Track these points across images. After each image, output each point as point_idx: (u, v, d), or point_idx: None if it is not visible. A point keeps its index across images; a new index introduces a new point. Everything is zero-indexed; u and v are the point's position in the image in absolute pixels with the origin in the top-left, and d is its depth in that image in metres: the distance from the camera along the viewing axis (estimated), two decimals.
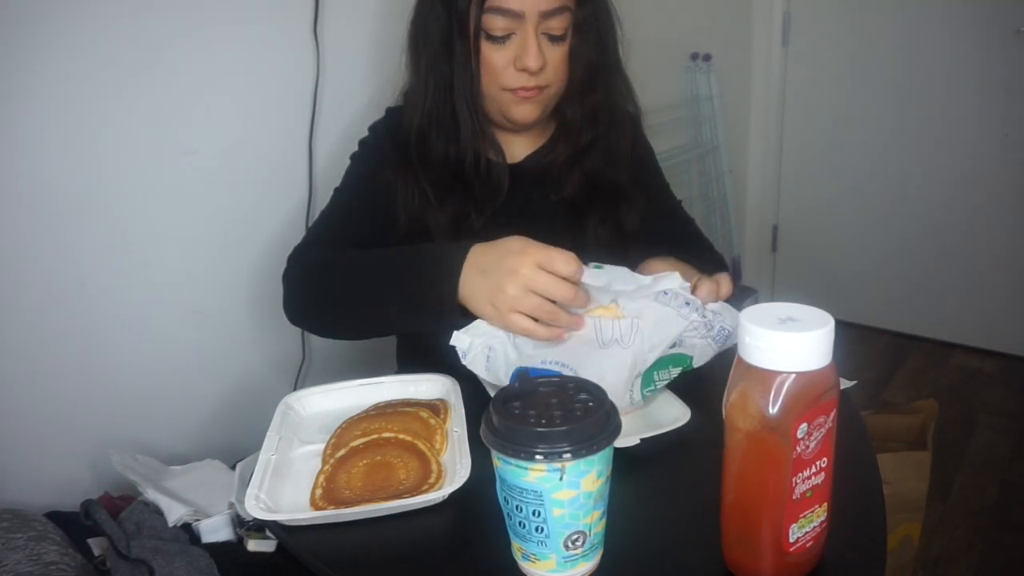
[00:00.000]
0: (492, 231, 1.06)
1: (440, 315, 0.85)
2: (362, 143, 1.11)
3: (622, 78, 1.09)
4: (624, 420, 0.79)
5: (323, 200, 1.26)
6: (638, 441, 0.78)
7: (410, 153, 1.04)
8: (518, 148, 1.10)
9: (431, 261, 0.87)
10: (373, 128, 1.12)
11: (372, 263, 0.93)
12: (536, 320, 0.80)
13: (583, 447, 0.57)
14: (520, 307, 0.79)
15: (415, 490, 0.73)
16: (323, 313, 0.99)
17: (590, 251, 1.07)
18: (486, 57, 0.99)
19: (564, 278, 0.78)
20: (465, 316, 0.84)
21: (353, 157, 1.10)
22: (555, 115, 1.10)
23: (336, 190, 1.09)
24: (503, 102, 1.02)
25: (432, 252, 0.89)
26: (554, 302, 0.79)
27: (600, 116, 1.08)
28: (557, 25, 0.98)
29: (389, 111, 1.12)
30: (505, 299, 0.79)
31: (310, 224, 1.27)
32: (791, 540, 0.58)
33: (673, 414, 0.83)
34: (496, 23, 0.96)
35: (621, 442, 0.75)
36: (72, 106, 0.99)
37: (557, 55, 1.00)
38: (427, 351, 1.06)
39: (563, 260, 0.78)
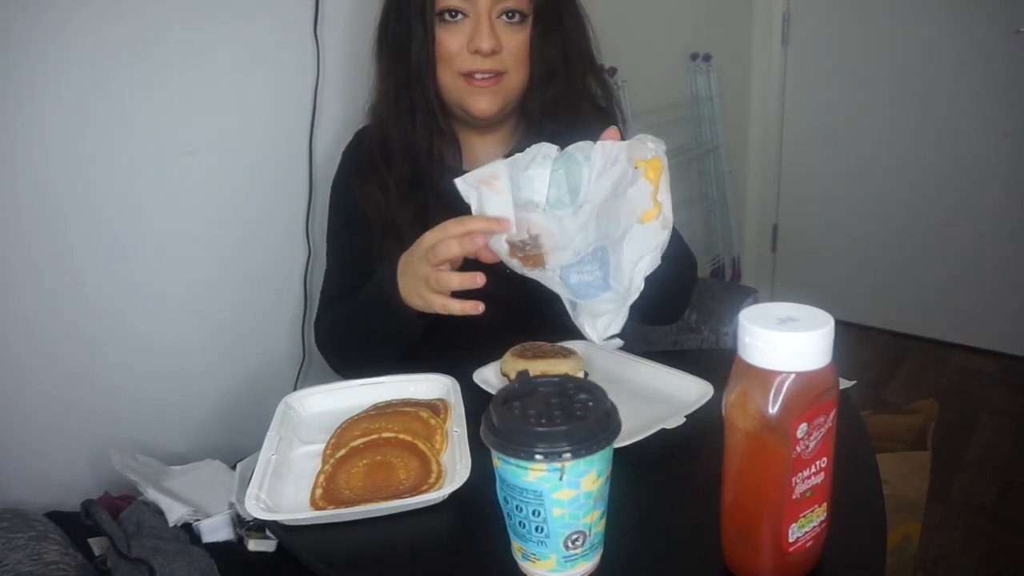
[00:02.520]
0: None
1: (406, 324, 0.92)
2: (333, 184, 1.14)
3: (596, 76, 1.09)
4: (652, 408, 0.84)
5: (323, 200, 1.26)
6: (684, 420, 0.82)
7: (373, 153, 1.05)
8: (483, 151, 1.09)
9: (377, 290, 0.93)
10: (343, 155, 1.14)
11: (351, 313, 1.03)
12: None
13: (583, 447, 0.57)
14: (432, 285, 0.82)
15: (415, 490, 0.73)
16: (354, 362, 1.05)
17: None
18: (440, 41, 0.99)
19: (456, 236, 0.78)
20: (423, 316, 0.90)
21: (331, 203, 1.14)
22: (520, 115, 1.09)
23: (328, 240, 1.13)
24: (459, 91, 1.01)
25: (374, 281, 0.96)
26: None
27: (560, 110, 1.06)
28: (513, 5, 0.97)
29: (358, 134, 1.13)
30: (423, 283, 0.83)
31: (309, 227, 1.27)
32: (791, 540, 0.58)
33: (698, 392, 0.87)
34: (448, 2, 0.96)
35: (670, 423, 0.81)
36: (72, 106, 0.99)
37: (515, 42, 0.99)
38: (425, 352, 1.06)
39: (434, 236, 0.80)
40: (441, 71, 1.00)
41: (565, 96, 1.05)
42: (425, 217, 1.02)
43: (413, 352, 1.13)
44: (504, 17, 0.99)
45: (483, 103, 1.01)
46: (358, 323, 1.02)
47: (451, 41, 0.98)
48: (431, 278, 0.82)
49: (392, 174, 1.04)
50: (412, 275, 0.86)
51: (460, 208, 1.00)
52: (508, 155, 1.04)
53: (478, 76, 0.99)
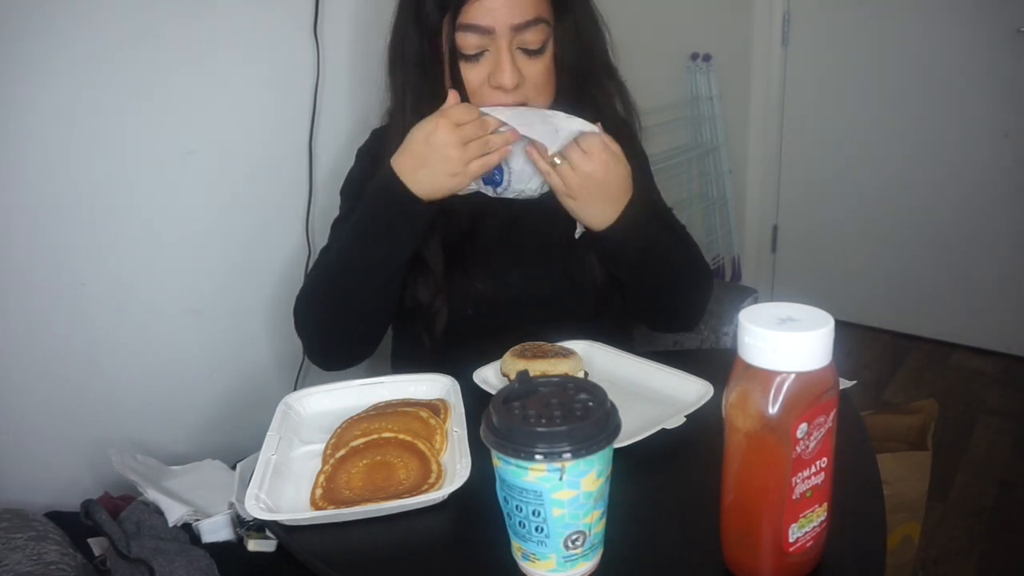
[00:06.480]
0: (479, 230, 1.06)
1: (419, 218, 0.95)
2: (349, 177, 1.11)
3: (616, 84, 1.07)
4: (652, 408, 0.86)
5: (323, 200, 1.27)
6: (684, 420, 0.82)
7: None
8: None
9: (377, 194, 0.95)
10: (359, 154, 1.12)
11: (339, 246, 1.01)
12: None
13: (583, 447, 0.57)
14: (470, 156, 0.91)
15: (415, 490, 0.73)
16: (337, 320, 1.00)
17: (578, 256, 1.06)
18: (463, 76, 0.97)
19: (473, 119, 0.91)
20: (431, 205, 0.94)
21: (343, 192, 1.11)
22: None
23: (333, 224, 1.10)
24: None
25: (371, 191, 0.97)
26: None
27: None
28: (533, 39, 0.95)
29: (374, 133, 1.12)
30: (457, 162, 0.90)
31: (309, 227, 1.28)
32: (791, 540, 0.58)
33: (698, 392, 0.87)
34: (468, 41, 0.94)
35: (670, 423, 0.81)
36: (72, 106, 0.99)
37: (536, 69, 0.97)
38: (422, 353, 1.06)
39: (463, 110, 0.91)
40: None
41: (592, 111, 1.03)
42: (446, 216, 1.01)
43: (410, 356, 1.12)
44: (523, 48, 0.96)
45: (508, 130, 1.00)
46: (351, 254, 0.98)
47: (472, 77, 0.96)
48: (470, 149, 0.90)
49: None
50: (439, 161, 0.90)
51: (478, 208, 1.03)
52: None
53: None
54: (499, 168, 0.96)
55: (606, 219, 0.95)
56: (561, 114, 0.94)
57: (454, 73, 0.97)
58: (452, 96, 0.93)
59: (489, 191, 0.98)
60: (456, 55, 0.96)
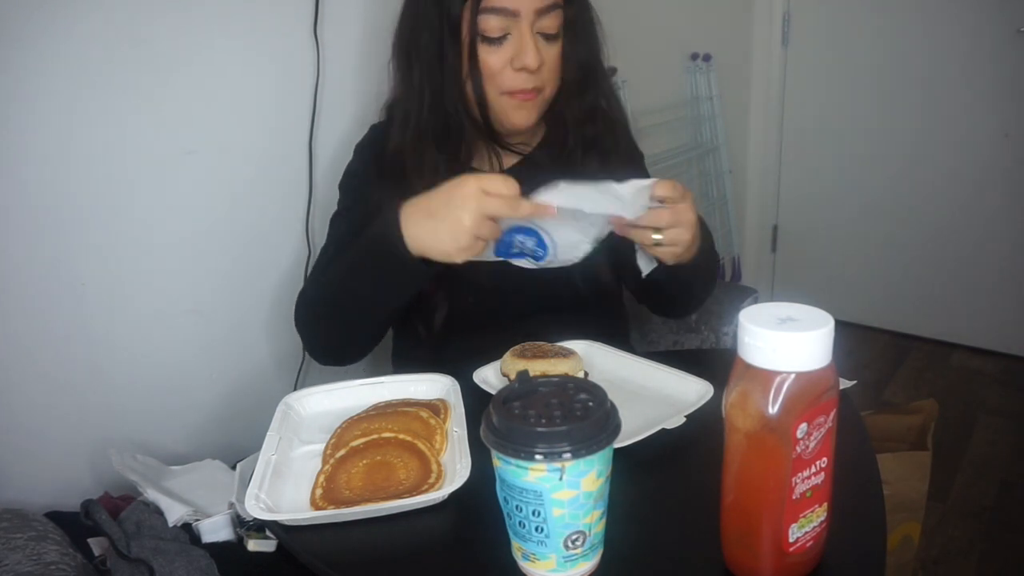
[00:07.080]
0: None
1: (411, 277, 0.89)
2: (348, 171, 1.11)
3: (608, 84, 1.10)
4: (652, 408, 0.85)
5: (323, 200, 1.27)
6: (684, 420, 0.82)
7: (397, 166, 1.02)
8: (506, 156, 1.08)
9: (374, 238, 0.90)
10: (358, 149, 1.12)
11: (337, 269, 0.98)
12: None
13: (583, 447, 0.57)
14: (482, 233, 0.82)
15: (415, 490, 0.73)
16: (332, 335, 1.01)
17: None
18: (483, 60, 0.98)
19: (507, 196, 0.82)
20: (430, 266, 0.88)
21: (341, 186, 1.11)
22: (546, 119, 1.09)
23: (332, 219, 1.10)
24: (501, 107, 1.01)
25: (371, 230, 0.91)
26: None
27: (596, 116, 1.07)
28: (550, 24, 0.98)
29: (373, 128, 1.12)
30: (465, 232, 0.82)
31: (309, 227, 1.28)
32: (791, 540, 0.58)
33: (698, 392, 0.87)
34: (492, 24, 0.96)
35: (670, 423, 0.81)
36: (72, 106, 0.99)
37: (552, 54, 1.00)
38: (423, 352, 1.06)
39: (503, 181, 0.82)
40: (485, 88, 0.99)
41: (598, 103, 1.06)
42: None
43: (409, 355, 1.13)
44: (541, 33, 0.99)
45: (524, 117, 1.02)
46: (348, 286, 0.95)
47: (494, 60, 0.98)
48: (484, 227, 0.82)
49: (424, 185, 1.01)
50: (448, 219, 0.82)
51: None
52: (528, 156, 1.10)
53: (520, 93, 1.00)
54: (540, 241, 0.89)
55: (694, 250, 0.94)
56: (612, 182, 0.86)
57: (473, 58, 0.98)
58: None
59: (526, 263, 0.92)
60: (476, 40, 0.97)
